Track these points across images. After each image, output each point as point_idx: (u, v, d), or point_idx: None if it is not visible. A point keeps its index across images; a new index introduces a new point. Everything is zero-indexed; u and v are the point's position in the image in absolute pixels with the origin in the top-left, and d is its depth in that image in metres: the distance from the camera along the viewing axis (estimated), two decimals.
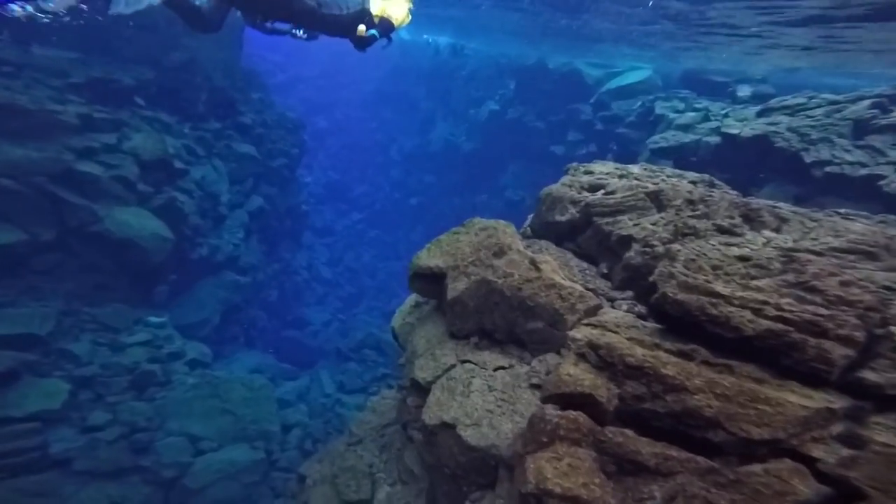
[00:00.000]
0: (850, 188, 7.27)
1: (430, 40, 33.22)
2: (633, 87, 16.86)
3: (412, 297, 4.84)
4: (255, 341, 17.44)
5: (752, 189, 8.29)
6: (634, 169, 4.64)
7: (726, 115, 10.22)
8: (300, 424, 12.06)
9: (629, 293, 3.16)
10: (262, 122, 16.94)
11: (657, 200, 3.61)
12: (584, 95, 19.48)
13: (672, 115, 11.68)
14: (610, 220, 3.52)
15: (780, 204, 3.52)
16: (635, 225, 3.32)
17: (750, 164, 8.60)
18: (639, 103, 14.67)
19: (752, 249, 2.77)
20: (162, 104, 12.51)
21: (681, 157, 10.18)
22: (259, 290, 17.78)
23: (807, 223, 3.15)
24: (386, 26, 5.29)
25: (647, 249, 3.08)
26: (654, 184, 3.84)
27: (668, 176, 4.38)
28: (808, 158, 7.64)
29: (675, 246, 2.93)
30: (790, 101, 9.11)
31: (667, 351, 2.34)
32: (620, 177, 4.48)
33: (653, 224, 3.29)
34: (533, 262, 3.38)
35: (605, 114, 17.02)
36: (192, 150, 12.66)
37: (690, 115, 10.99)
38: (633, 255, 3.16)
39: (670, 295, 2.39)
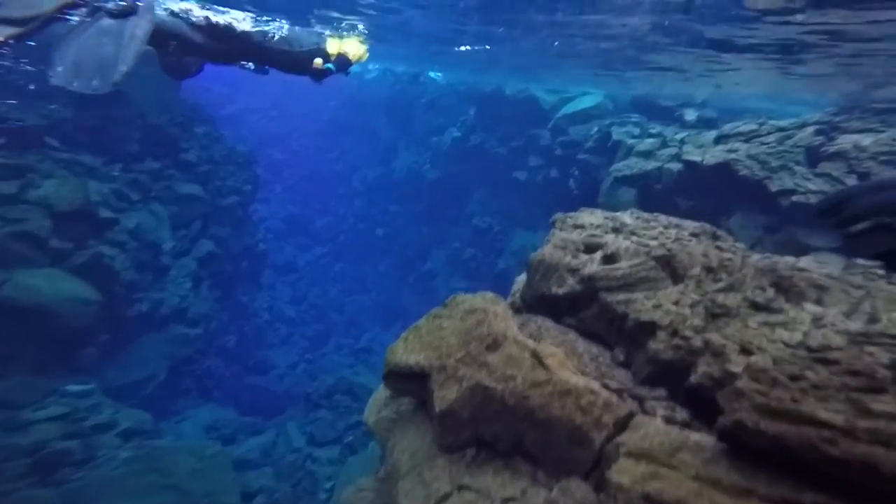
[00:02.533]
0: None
1: (388, 70, 32.99)
2: (587, 112, 17.00)
3: (383, 385, 3.91)
4: (212, 392, 15.61)
5: (719, 218, 8.07)
6: (626, 219, 4.04)
7: (683, 142, 10.19)
8: (265, 490, 10.53)
9: (661, 391, 2.45)
10: (208, 159, 15.61)
11: (669, 267, 2.97)
12: (541, 121, 19.54)
13: (630, 141, 11.61)
14: (621, 297, 2.82)
15: (804, 263, 2.98)
16: (656, 307, 2.63)
17: (714, 192, 8.46)
18: (595, 129, 14.68)
19: (807, 334, 2.14)
20: (83, 145, 11.03)
21: (644, 185, 10.00)
22: (213, 338, 16.09)
23: (851, 291, 2.60)
24: (342, 62, 5.40)
25: (681, 343, 2.39)
26: (659, 242, 3.22)
27: (664, 227, 3.80)
28: (772, 187, 7.52)
29: (716, 338, 2.27)
30: (742, 127, 9.16)
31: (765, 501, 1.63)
32: (614, 230, 3.86)
33: (675, 303, 2.62)
34: (536, 356, 2.62)
35: (564, 139, 17.00)
36: (123, 196, 11.19)
37: (649, 142, 10.92)
38: (660, 347, 2.46)
39: (750, 425, 1.70)
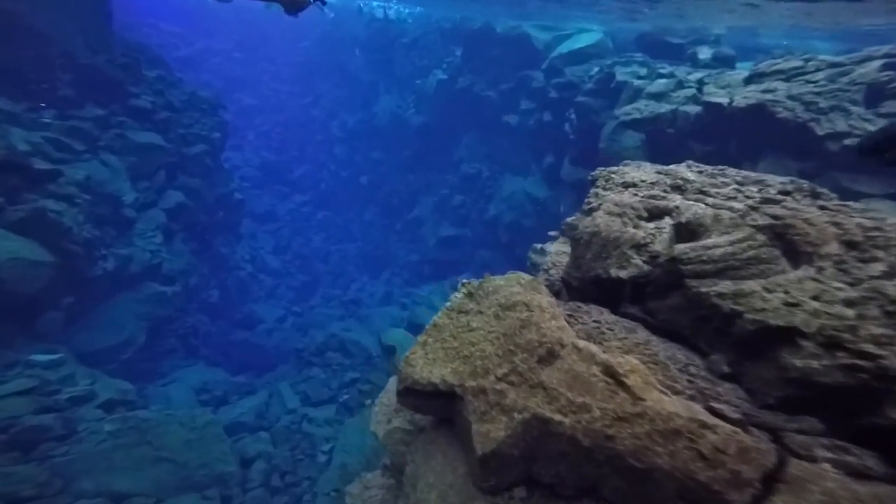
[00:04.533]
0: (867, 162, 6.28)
1: (363, 5, 29.38)
2: (585, 52, 15.36)
3: (394, 382, 3.09)
4: (199, 350, 14.83)
5: (742, 164, 7.24)
6: (687, 173, 3.12)
7: (702, 82, 9.03)
8: (263, 455, 10.09)
9: (810, 422, 1.69)
10: (165, 105, 13.56)
11: (783, 242, 2.11)
12: (534, 61, 17.73)
13: (637, 82, 10.37)
14: (724, 288, 1.96)
15: None
16: (790, 305, 1.79)
17: (737, 136, 7.54)
18: (596, 69, 13.22)
19: None
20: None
21: (655, 129, 9.00)
22: (195, 294, 15.03)
23: None
24: None
25: (858, 362, 1.59)
26: (745, 205, 2.37)
27: (739, 184, 2.92)
28: (820, 130, 6.62)
29: None
30: (783, 64, 7.97)
31: None
32: (675, 188, 2.97)
33: (814, 297, 1.79)
34: (611, 373, 1.81)
35: (560, 80, 15.46)
36: (63, 146, 9.45)
37: (661, 83, 9.72)
38: (814, 365, 1.67)
39: None
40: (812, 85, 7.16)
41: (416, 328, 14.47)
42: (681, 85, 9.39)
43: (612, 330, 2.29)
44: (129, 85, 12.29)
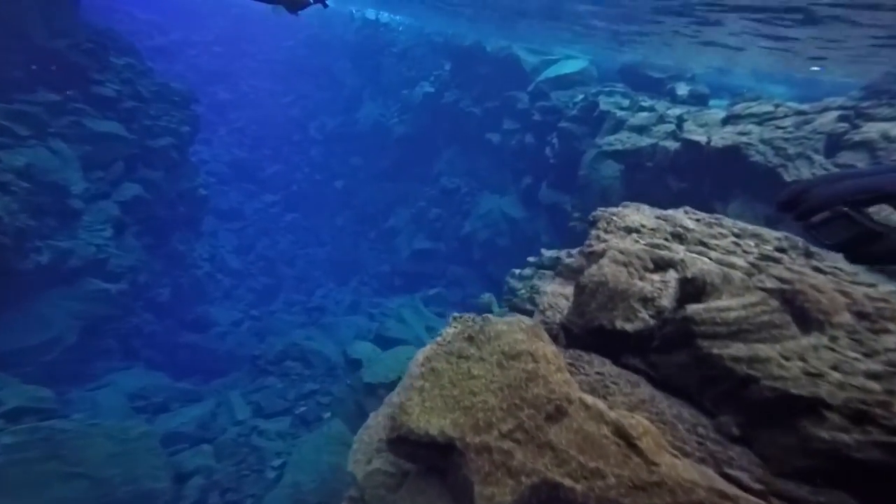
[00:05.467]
0: None
1: (355, 11, 29.09)
2: (570, 78, 15.66)
3: (374, 418, 2.70)
4: (140, 352, 13.55)
5: (713, 202, 7.34)
6: (686, 220, 3.02)
7: (682, 119, 9.21)
8: (202, 470, 9.13)
9: (840, 496, 1.58)
10: (133, 94, 12.65)
11: (792, 307, 2.01)
12: (521, 83, 17.93)
13: (619, 113, 10.53)
14: (738, 351, 1.85)
15: None
16: (812, 376, 1.68)
17: (712, 175, 7.66)
18: (580, 96, 13.43)
19: None
20: None
21: (634, 162, 9.06)
22: (142, 291, 13.79)
23: None
24: None
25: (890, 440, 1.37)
26: (747, 262, 2.24)
27: (737, 236, 2.85)
28: (787, 177, 6.81)
29: None
30: (756, 108, 8.28)
31: None
32: (675, 237, 2.85)
33: (834, 368, 1.65)
34: (622, 434, 1.65)
35: (544, 104, 15.63)
36: (3, 129, 8.48)
37: (643, 116, 9.89)
38: (845, 440, 1.57)
39: None
40: (781, 130, 7.43)
41: (383, 341, 13.86)
42: (661, 120, 9.59)
43: (616, 384, 2.02)
44: (93, 72, 11.37)
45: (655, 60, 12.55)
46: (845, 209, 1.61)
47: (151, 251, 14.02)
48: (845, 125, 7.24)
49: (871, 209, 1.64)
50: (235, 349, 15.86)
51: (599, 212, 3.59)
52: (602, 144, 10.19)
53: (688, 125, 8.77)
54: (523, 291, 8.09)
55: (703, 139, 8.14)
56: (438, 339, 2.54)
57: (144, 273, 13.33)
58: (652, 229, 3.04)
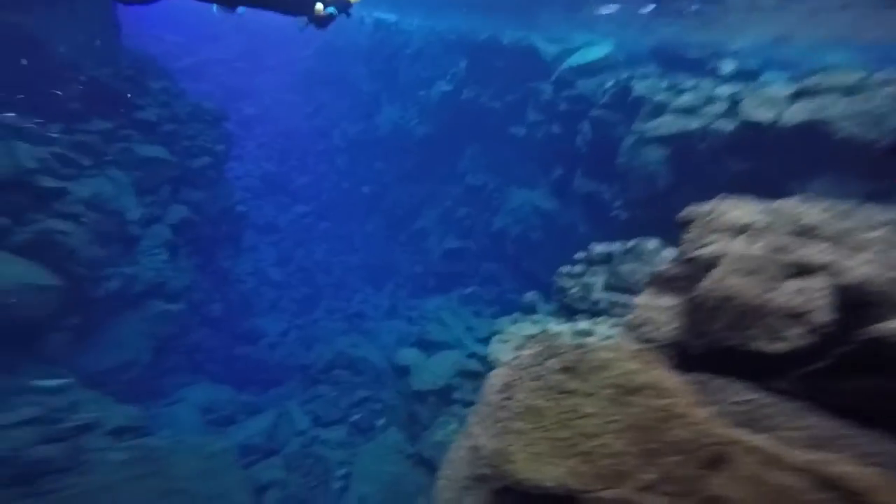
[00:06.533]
0: None
1: (365, 16, 29.09)
2: (596, 65, 15.20)
3: (456, 452, 2.64)
4: (204, 365, 14.17)
5: (789, 183, 6.96)
6: (810, 214, 2.73)
7: (736, 97, 8.64)
8: (276, 483, 9.47)
9: None
10: (170, 117, 13.08)
11: None
12: (542, 73, 17.56)
13: (658, 97, 10.15)
14: None
15: None
16: None
17: (783, 154, 7.24)
18: (610, 82, 13.03)
19: None
20: (3, 103, 8.49)
21: (683, 146, 8.72)
22: (198, 308, 14.36)
23: None
24: (343, 2, 5.11)
25: None
26: None
27: (867, 226, 2.55)
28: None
29: None
30: (836, 79, 7.40)
31: None
32: (798, 233, 2.60)
33: None
34: (830, 484, 1.41)
35: (571, 93, 15.27)
36: (69, 161, 8.88)
37: (688, 98, 9.47)
38: None
39: None
40: (871, 102, 6.86)
41: (426, 346, 13.87)
42: (711, 100, 9.14)
43: (776, 415, 1.88)
44: (135, 97, 11.76)
45: (692, 38, 11.97)
46: None
47: (201, 270, 14.57)
48: None
49: None
50: (286, 359, 16.36)
51: (691, 209, 3.33)
52: (643, 130, 9.87)
53: (746, 103, 8.28)
54: (576, 290, 7.94)
55: (767, 117, 7.68)
56: (514, 361, 2.41)
57: (198, 291, 13.88)
58: (765, 226, 2.83)
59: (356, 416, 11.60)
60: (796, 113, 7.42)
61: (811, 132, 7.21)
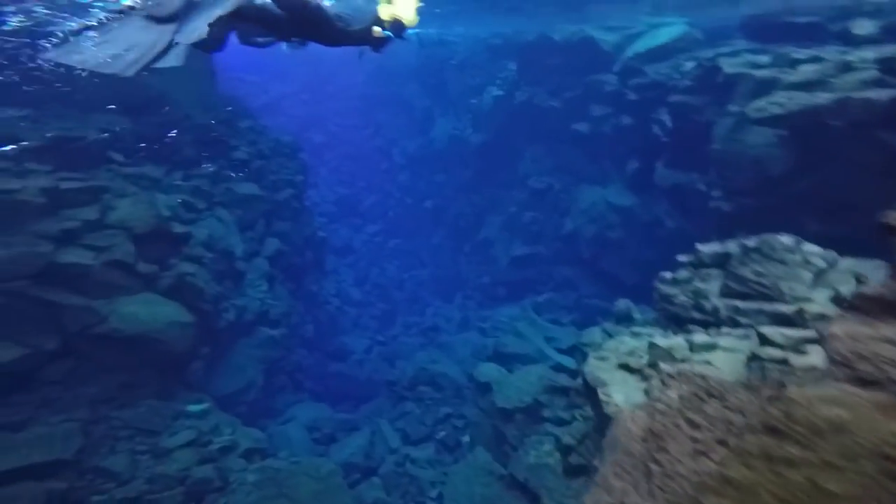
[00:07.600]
0: None
1: (410, 34, 29.73)
2: (668, 47, 14.05)
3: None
4: (303, 383, 15.16)
5: None
6: None
7: (889, 61, 7.18)
8: (380, 503, 9.74)
9: None
10: (257, 154, 14.13)
11: None
12: (602, 64, 16.66)
13: (759, 72, 8.99)
14: None
15: None
16: None
17: None
18: (691, 64, 11.91)
19: None
20: (143, 156, 9.68)
21: (807, 123, 7.55)
22: (295, 331, 15.38)
23: None
24: (397, 27, 5.21)
25: None
26: None
27: None
28: None
29: None
30: None
31: None
32: None
33: None
34: None
35: (641, 81, 14.26)
36: (190, 206, 9.91)
37: (811, 69, 8.22)
38: None
39: None
40: None
41: (504, 359, 13.50)
42: (847, 68, 7.87)
43: None
44: (230, 138, 12.86)
45: (797, 1, 10.46)
46: None
47: (294, 295, 15.59)
48: None
49: None
50: (372, 374, 16.95)
51: None
52: (745, 111, 8.80)
53: None
54: (683, 298, 7.16)
55: None
56: (656, 404, 2.03)
57: (294, 315, 14.82)
58: None
59: (442, 434, 11.62)
60: None
61: None
